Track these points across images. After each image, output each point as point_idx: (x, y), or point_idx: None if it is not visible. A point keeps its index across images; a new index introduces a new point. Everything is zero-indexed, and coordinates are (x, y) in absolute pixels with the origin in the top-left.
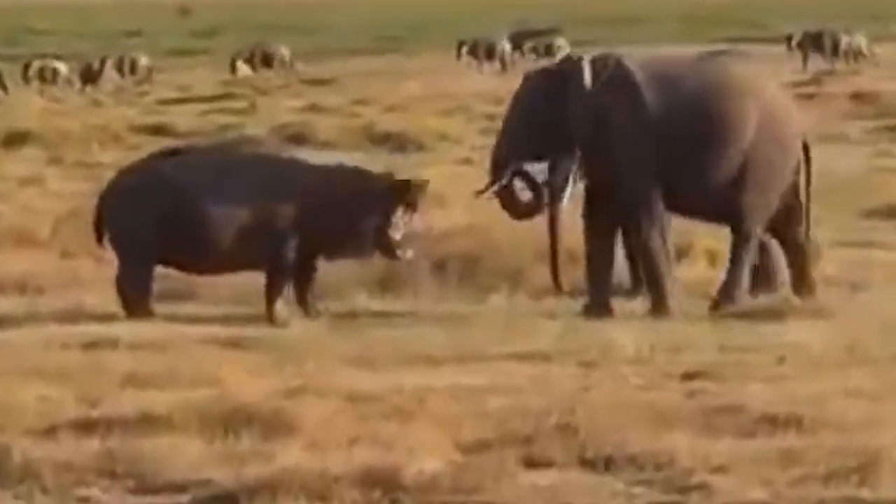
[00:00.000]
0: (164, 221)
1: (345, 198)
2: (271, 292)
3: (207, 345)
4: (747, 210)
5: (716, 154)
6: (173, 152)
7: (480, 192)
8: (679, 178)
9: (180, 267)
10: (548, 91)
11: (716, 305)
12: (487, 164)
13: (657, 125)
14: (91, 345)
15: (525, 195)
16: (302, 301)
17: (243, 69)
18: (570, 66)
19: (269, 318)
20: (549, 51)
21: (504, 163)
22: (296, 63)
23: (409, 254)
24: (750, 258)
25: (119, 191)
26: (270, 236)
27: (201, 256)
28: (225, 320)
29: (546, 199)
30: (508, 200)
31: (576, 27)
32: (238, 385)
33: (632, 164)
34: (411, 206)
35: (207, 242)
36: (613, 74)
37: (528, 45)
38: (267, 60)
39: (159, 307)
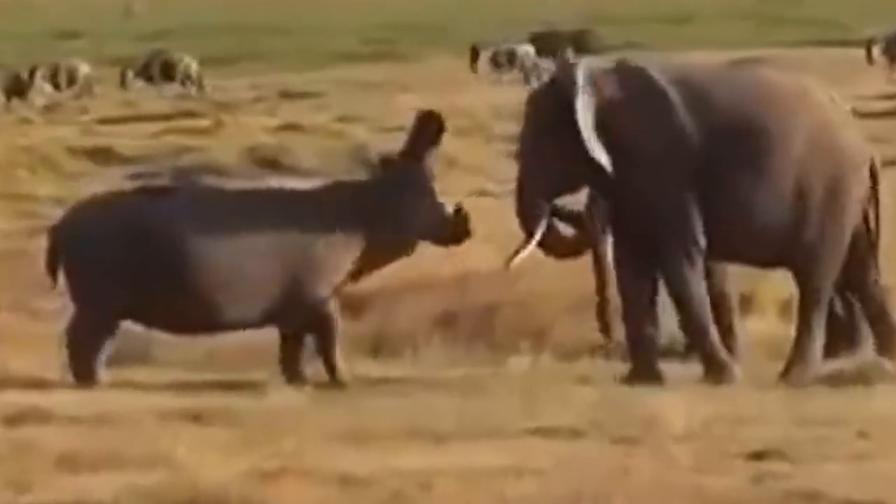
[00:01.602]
0: (128, 267)
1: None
2: (327, 349)
3: (161, 418)
4: (809, 252)
5: (764, 181)
6: (156, 190)
7: (511, 259)
8: (720, 213)
9: (149, 322)
10: (552, 114)
11: (787, 372)
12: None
13: (693, 150)
14: (18, 418)
15: (568, 231)
16: (289, 365)
17: (136, 84)
18: (569, 83)
19: (332, 377)
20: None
21: (533, 208)
22: (203, 78)
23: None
24: (821, 312)
25: (84, 224)
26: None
27: (178, 310)
28: (182, 387)
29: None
30: (549, 240)
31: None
32: (198, 466)
33: (665, 194)
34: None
35: (183, 293)
36: (638, 89)
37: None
38: (168, 72)
39: (104, 373)
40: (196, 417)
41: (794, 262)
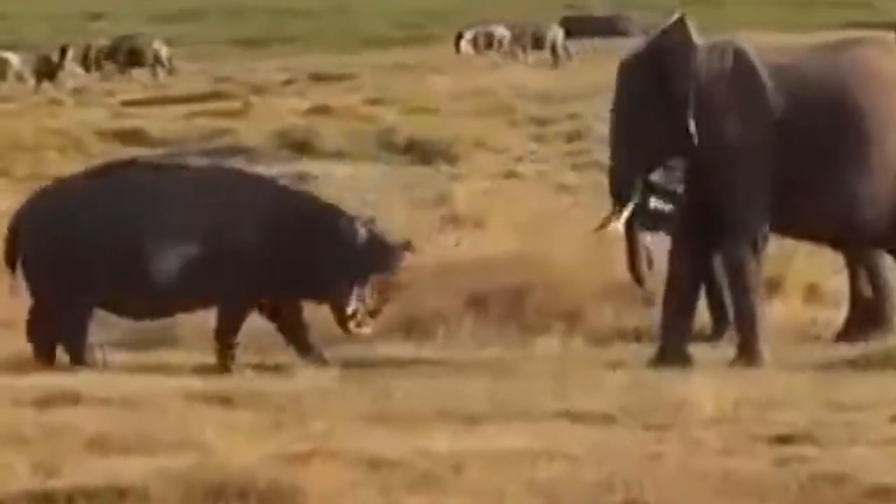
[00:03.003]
0: (93, 252)
1: (311, 238)
2: (220, 335)
3: (189, 400)
4: None
5: (858, 166)
6: (108, 169)
7: (601, 227)
8: (810, 195)
9: (114, 308)
10: (647, 80)
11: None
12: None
13: (785, 130)
14: (46, 401)
15: (661, 206)
16: (301, 348)
17: (108, 67)
18: (673, 42)
19: (221, 366)
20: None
21: (626, 179)
22: (174, 63)
23: (366, 331)
24: None
25: (40, 212)
26: (220, 269)
27: (139, 295)
28: (211, 371)
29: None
30: (645, 218)
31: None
32: (227, 450)
33: (745, 177)
34: (385, 286)
35: (147, 278)
36: (733, 67)
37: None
38: (136, 57)
39: (129, 355)
40: (224, 400)
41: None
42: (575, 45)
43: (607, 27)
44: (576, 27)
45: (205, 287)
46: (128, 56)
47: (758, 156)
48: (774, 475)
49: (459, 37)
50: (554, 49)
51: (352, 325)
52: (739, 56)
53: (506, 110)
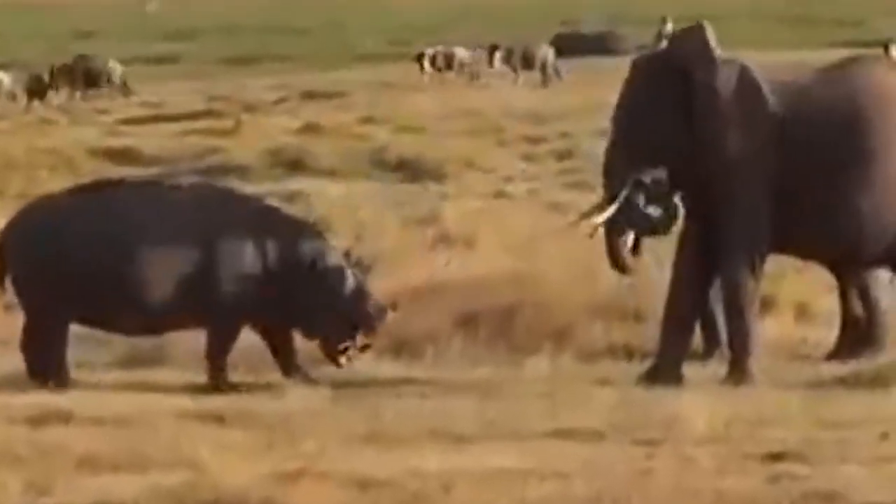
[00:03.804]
0: (80, 268)
1: (299, 271)
2: (211, 355)
3: (181, 419)
4: None
5: (866, 183)
6: (96, 186)
7: (585, 217)
8: (814, 214)
9: (101, 325)
10: (663, 85)
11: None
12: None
13: (788, 148)
14: (38, 419)
15: (651, 211)
16: (286, 369)
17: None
18: (692, 49)
19: (213, 385)
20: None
21: (619, 172)
22: (130, 85)
23: (351, 363)
24: None
25: (29, 228)
26: (210, 288)
27: (128, 312)
28: (203, 389)
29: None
30: (631, 217)
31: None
32: (219, 468)
33: (744, 190)
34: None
35: (134, 295)
36: (738, 82)
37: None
38: (91, 77)
39: (120, 373)
40: (216, 419)
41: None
42: (566, 64)
43: (599, 45)
44: (567, 45)
45: (193, 306)
46: (84, 76)
47: (759, 174)
48: (766, 493)
49: (421, 56)
50: (544, 68)
51: (342, 359)
52: (744, 73)
53: (495, 129)
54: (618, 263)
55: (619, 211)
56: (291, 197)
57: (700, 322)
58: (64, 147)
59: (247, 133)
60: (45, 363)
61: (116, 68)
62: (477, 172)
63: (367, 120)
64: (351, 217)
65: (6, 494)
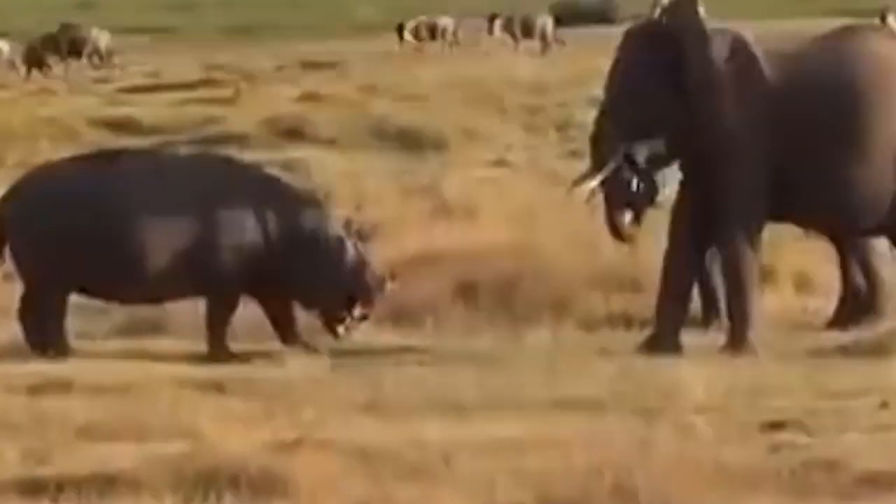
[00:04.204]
0: (80, 237)
1: (299, 240)
2: (211, 324)
3: (182, 388)
4: None
5: (860, 152)
6: (96, 155)
7: (576, 185)
8: (810, 184)
9: (101, 294)
10: (655, 57)
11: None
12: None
13: (783, 118)
14: (38, 388)
15: (634, 183)
16: (285, 338)
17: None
18: (684, 23)
19: (213, 354)
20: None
21: (608, 143)
22: (114, 55)
23: (355, 335)
24: None
25: (28, 197)
26: (209, 257)
27: (128, 281)
28: (202, 358)
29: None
30: (614, 185)
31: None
32: (219, 437)
33: (741, 161)
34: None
35: (135, 264)
36: (731, 53)
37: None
38: (76, 46)
39: (120, 342)
40: (216, 388)
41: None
42: (565, 33)
43: (597, 14)
44: (566, 15)
45: (192, 276)
46: (69, 46)
47: (756, 144)
48: (766, 462)
49: (401, 27)
50: (543, 37)
51: (340, 329)
52: (738, 44)
53: (495, 99)
54: (618, 233)
55: (604, 181)
56: (291, 166)
57: (700, 292)
58: (64, 116)
59: (246, 102)
60: (44, 333)
61: (100, 37)
62: (477, 142)
63: (367, 89)
64: (351, 186)
65: (4, 463)
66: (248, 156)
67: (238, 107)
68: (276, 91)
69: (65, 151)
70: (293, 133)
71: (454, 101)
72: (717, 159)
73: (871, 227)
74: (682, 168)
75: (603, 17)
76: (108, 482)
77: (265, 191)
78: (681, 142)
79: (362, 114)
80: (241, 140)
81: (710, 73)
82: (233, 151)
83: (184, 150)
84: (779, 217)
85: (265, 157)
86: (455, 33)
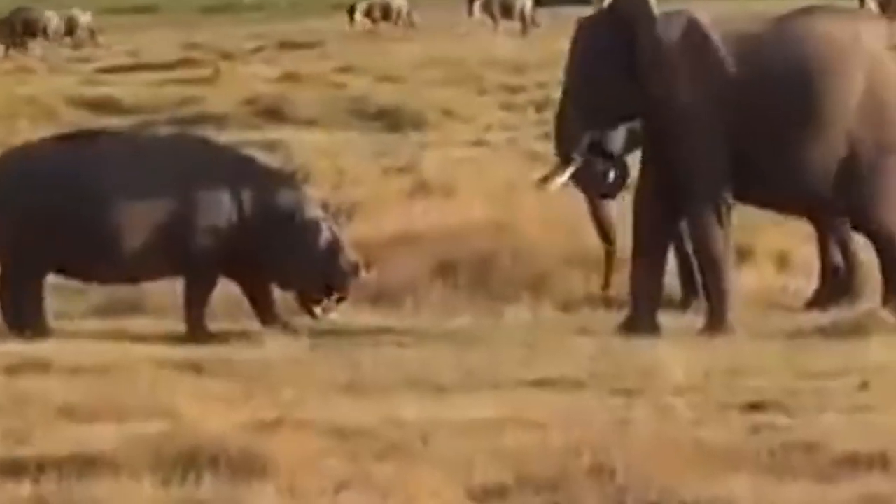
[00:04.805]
0: (58, 217)
1: (275, 221)
2: (189, 304)
3: (161, 368)
4: (872, 203)
5: (813, 132)
6: (75, 136)
7: (545, 181)
8: (764, 164)
9: (78, 274)
10: (609, 42)
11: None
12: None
13: (740, 97)
14: (16, 368)
15: (606, 171)
16: (264, 318)
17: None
18: (633, 7)
19: (191, 334)
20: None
21: (572, 136)
22: (95, 34)
23: (333, 316)
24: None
25: (5, 177)
26: (187, 238)
27: (105, 262)
28: (181, 338)
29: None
30: (583, 177)
31: None
32: (198, 417)
33: (701, 140)
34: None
35: (112, 244)
36: (685, 35)
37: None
38: (30, 28)
39: (98, 322)
40: (195, 368)
41: (853, 211)
42: (543, 14)
43: None
44: None
45: (169, 256)
46: (23, 28)
47: (713, 122)
48: (745, 443)
49: (352, 8)
50: (523, 16)
51: (318, 310)
52: (692, 25)
53: (475, 78)
54: (605, 235)
55: (574, 173)
56: (271, 146)
57: (678, 273)
58: (43, 96)
59: (225, 82)
60: (21, 313)
61: (53, 19)
62: (456, 121)
63: (346, 69)
64: (330, 166)
65: None
66: (227, 136)
67: (217, 87)
68: (254, 71)
69: (44, 131)
70: (272, 113)
71: (433, 80)
72: (675, 138)
73: (827, 207)
74: (642, 149)
75: None
76: (87, 462)
77: (242, 171)
78: (641, 125)
79: (341, 94)
80: (220, 120)
81: (660, 52)
82: (212, 131)
83: (162, 131)
84: (742, 198)
85: (244, 137)
86: (409, 14)
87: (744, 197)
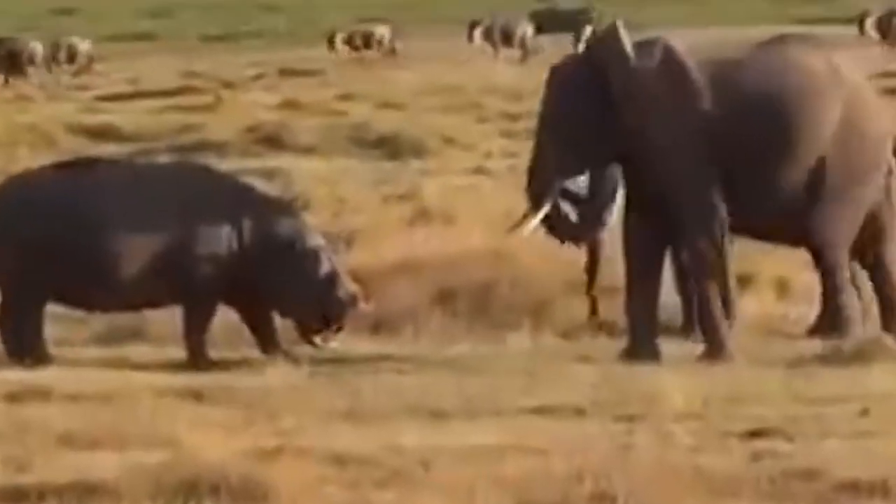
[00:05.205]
0: (57, 245)
1: (275, 251)
2: (188, 332)
3: (161, 396)
4: (828, 228)
5: (787, 160)
6: (72, 164)
7: (516, 227)
8: (744, 189)
9: (78, 302)
10: (584, 83)
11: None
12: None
13: (716, 125)
14: (17, 396)
15: (572, 215)
16: (265, 346)
17: None
18: (607, 45)
19: (192, 362)
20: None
21: (544, 184)
22: (93, 62)
23: (332, 345)
24: (845, 284)
25: (4, 205)
26: (186, 265)
27: (104, 290)
28: (182, 366)
29: (590, 219)
30: (554, 222)
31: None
32: (199, 445)
33: (684, 170)
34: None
35: (112, 273)
36: (661, 63)
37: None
38: (14, 60)
39: (99, 350)
40: (195, 396)
41: (810, 236)
42: (544, 41)
43: (575, 21)
44: (546, 22)
45: (168, 285)
46: (7, 59)
47: (691, 151)
48: (746, 470)
49: (332, 37)
50: (523, 44)
51: (317, 339)
52: (668, 53)
53: (475, 106)
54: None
55: (544, 218)
56: (271, 174)
57: (680, 300)
58: (42, 123)
59: (225, 110)
60: (21, 341)
61: (37, 48)
62: (456, 149)
63: (346, 97)
64: (330, 194)
65: None
66: (227, 163)
67: (217, 114)
68: (255, 98)
69: (44, 159)
70: (272, 140)
71: (433, 108)
72: (654, 168)
73: (798, 234)
74: (626, 181)
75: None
76: (88, 490)
77: (241, 200)
78: (622, 163)
79: (342, 121)
80: (220, 148)
81: (634, 84)
82: (212, 159)
83: (162, 158)
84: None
85: (244, 164)
86: (392, 41)
87: (736, 229)
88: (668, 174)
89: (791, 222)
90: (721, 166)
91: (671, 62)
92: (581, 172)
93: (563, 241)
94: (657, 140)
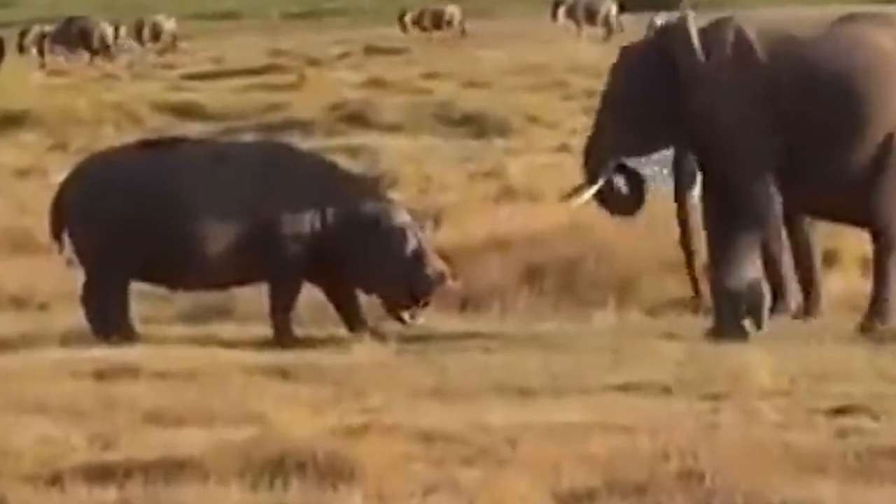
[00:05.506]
0: (141, 224)
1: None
2: (275, 311)
3: (248, 374)
4: (890, 210)
5: (855, 139)
6: (156, 143)
7: (568, 197)
8: (810, 169)
9: (163, 281)
10: (652, 66)
11: (866, 326)
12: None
13: (785, 104)
14: (105, 373)
15: (625, 189)
16: (351, 323)
17: (55, 50)
18: (675, 35)
19: (278, 340)
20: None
21: (601, 161)
22: (178, 40)
23: (419, 321)
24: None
25: (88, 183)
26: (271, 244)
27: (188, 269)
28: (268, 344)
29: (674, 194)
30: (606, 196)
31: None
32: (286, 422)
33: (750, 153)
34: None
35: (195, 253)
36: (732, 45)
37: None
38: (84, 38)
39: (187, 328)
40: (283, 373)
41: (872, 218)
42: (628, 19)
43: (659, 1)
44: (629, 1)
45: (253, 264)
46: (77, 38)
47: (760, 134)
48: (832, 447)
49: (402, 16)
50: (607, 22)
51: (405, 315)
52: (738, 34)
53: (559, 84)
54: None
55: (597, 193)
56: (356, 152)
57: (766, 277)
58: (128, 102)
59: (310, 88)
60: (106, 319)
61: (108, 30)
62: (541, 127)
63: (431, 75)
64: (416, 172)
65: (72, 448)
66: (312, 142)
67: (302, 92)
68: (340, 77)
69: (129, 137)
70: (357, 119)
71: (518, 86)
72: (722, 152)
73: (868, 215)
74: (698, 164)
75: (665, 4)
76: (175, 467)
77: (325, 177)
78: (684, 137)
79: (427, 99)
80: (305, 126)
81: (701, 69)
82: (297, 137)
83: (247, 137)
84: (792, 207)
85: (329, 142)
86: (462, 22)
87: (795, 207)
88: (733, 156)
89: (856, 202)
90: (788, 145)
91: (741, 43)
92: (639, 153)
93: (612, 213)
94: (723, 121)
